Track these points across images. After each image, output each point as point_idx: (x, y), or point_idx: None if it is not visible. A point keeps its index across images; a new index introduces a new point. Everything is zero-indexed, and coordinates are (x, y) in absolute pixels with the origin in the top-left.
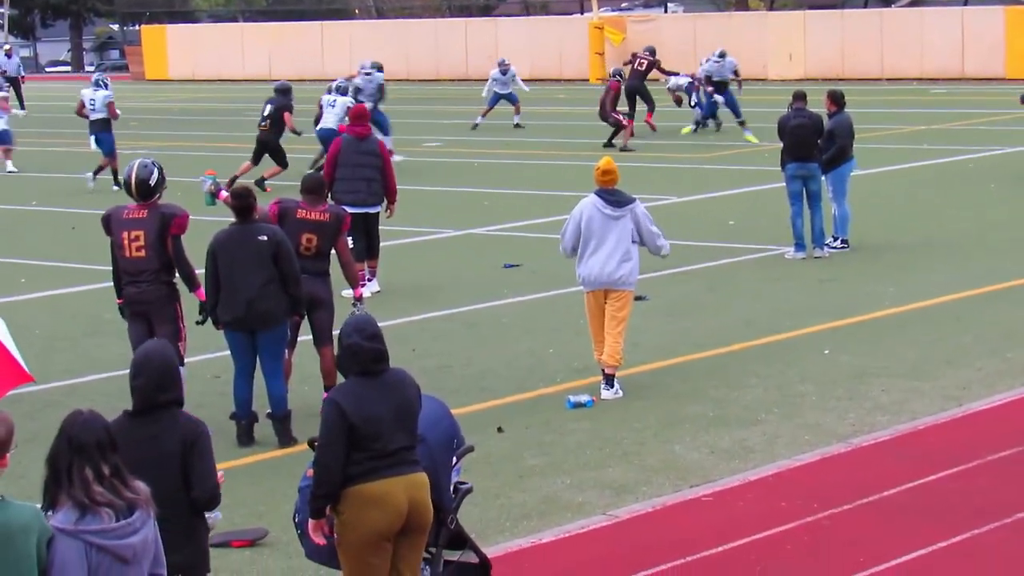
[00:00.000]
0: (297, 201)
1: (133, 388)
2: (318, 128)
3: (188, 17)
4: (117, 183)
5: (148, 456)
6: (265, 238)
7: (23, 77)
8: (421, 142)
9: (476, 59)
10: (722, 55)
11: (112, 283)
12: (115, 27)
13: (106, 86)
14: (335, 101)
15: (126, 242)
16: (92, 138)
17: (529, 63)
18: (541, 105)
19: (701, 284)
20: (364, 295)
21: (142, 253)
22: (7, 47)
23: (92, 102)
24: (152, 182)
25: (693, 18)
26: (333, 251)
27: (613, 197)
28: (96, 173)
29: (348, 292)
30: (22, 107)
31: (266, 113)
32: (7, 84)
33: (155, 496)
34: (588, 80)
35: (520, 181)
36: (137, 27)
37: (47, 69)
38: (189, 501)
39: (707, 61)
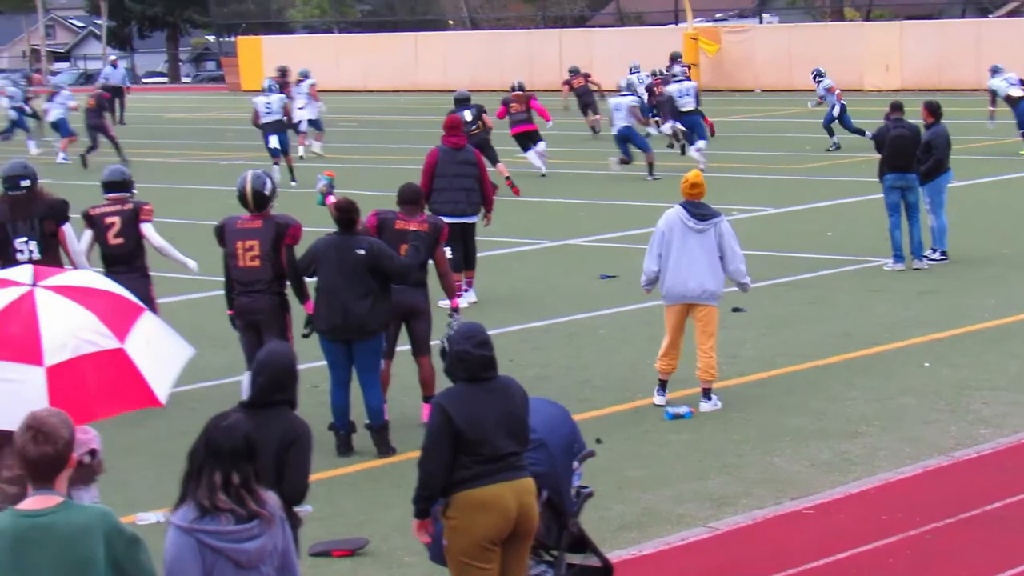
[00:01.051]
0: (395, 212)
1: (253, 383)
2: (615, 129)
3: (283, 28)
4: (293, 179)
5: None
6: (363, 251)
7: (128, 88)
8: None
9: None
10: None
11: (224, 293)
12: (211, 38)
13: (278, 90)
14: (620, 105)
15: (240, 251)
16: (274, 138)
17: (623, 73)
18: None
19: (800, 296)
20: (461, 305)
21: (256, 263)
22: (112, 58)
23: (268, 106)
24: (267, 192)
25: (788, 28)
26: (430, 261)
27: (698, 210)
28: (292, 173)
29: (445, 302)
30: (121, 121)
31: (469, 119)
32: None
33: None
34: None
35: (614, 192)
36: (233, 38)
37: (144, 80)
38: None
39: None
